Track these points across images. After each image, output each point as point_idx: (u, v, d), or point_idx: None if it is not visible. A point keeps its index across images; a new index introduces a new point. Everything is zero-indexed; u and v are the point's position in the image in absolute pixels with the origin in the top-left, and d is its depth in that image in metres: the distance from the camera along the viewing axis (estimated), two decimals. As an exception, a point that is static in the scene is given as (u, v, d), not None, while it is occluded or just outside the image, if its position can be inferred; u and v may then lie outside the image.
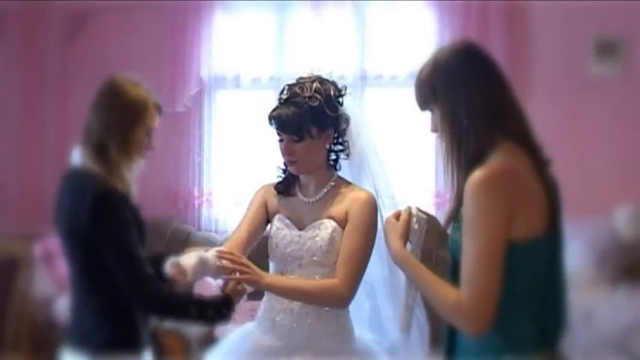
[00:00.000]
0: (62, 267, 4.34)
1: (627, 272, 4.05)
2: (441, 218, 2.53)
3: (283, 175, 2.79)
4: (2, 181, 5.49)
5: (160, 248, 3.80)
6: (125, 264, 2.46)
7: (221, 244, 2.85)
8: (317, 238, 2.65)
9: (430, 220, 2.42)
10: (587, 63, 4.70)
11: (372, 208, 2.64)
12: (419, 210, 2.39)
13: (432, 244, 2.55)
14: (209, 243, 4.73)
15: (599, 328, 3.77)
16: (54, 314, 4.59)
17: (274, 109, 2.66)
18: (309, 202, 2.72)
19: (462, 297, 1.92)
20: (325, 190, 2.71)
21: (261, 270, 2.58)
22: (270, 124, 2.66)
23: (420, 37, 4.98)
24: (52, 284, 4.79)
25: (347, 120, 2.70)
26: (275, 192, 2.79)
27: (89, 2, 5.54)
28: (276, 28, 5.29)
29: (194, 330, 4.47)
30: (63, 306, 4.32)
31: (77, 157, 2.56)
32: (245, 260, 2.56)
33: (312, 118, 2.60)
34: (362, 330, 2.79)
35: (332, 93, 2.66)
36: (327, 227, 2.65)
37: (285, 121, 2.61)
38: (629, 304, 3.86)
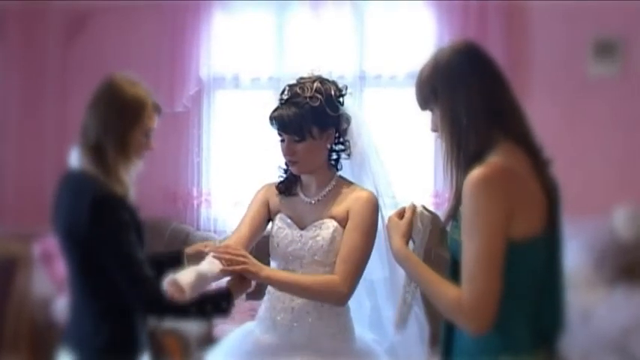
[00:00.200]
0: (61, 267, 4.34)
1: (625, 272, 4.05)
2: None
3: (285, 175, 2.79)
4: (1, 181, 5.49)
5: (159, 248, 3.81)
6: (124, 267, 2.45)
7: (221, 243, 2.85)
8: (318, 238, 2.65)
9: (434, 218, 2.42)
10: (586, 63, 4.71)
11: (373, 207, 2.64)
12: (424, 208, 2.39)
13: (432, 243, 2.55)
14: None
15: (597, 328, 3.77)
16: (53, 314, 4.59)
17: (275, 110, 2.66)
18: (310, 202, 2.73)
19: (463, 296, 1.92)
20: (326, 190, 2.71)
21: (259, 263, 2.57)
22: (272, 124, 2.66)
23: (419, 37, 4.99)
24: (51, 284, 4.79)
25: (348, 120, 2.70)
26: (277, 191, 2.80)
27: (88, 2, 5.55)
28: (275, 29, 5.30)
29: (193, 330, 4.48)
30: (62, 306, 4.32)
31: (75, 158, 2.54)
32: (243, 252, 2.56)
33: (313, 119, 2.60)
34: (362, 329, 2.79)
35: (333, 93, 2.66)
36: (328, 227, 2.66)
37: (286, 122, 2.61)
38: (627, 304, 3.87)
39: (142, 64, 5.17)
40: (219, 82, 5.41)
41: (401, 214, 2.35)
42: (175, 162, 5.39)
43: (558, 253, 2.04)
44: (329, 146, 2.70)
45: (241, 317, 4.50)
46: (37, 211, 4.99)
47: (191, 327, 4.48)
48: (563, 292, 2.05)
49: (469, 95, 2.01)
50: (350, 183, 2.74)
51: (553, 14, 4.74)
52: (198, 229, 5.37)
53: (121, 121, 2.51)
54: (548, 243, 2.00)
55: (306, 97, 2.61)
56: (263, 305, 2.78)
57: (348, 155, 2.74)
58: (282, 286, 2.62)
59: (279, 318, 2.70)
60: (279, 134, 2.66)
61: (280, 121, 2.62)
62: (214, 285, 2.62)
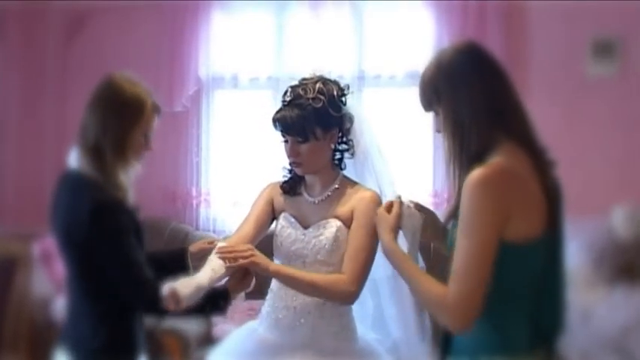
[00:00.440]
0: (60, 267, 4.33)
1: (625, 272, 4.05)
2: (440, 217, 2.55)
3: (289, 175, 2.79)
4: (1, 180, 5.49)
5: (158, 248, 3.80)
6: (124, 269, 2.46)
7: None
8: (321, 237, 2.66)
9: (428, 215, 2.43)
10: (585, 63, 4.71)
11: (377, 206, 2.63)
12: (417, 207, 2.40)
13: (428, 238, 2.57)
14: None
15: (596, 328, 3.77)
16: (52, 314, 4.59)
17: (278, 112, 2.66)
18: (314, 202, 2.73)
19: (449, 292, 1.93)
20: (331, 190, 2.72)
21: (266, 258, 2.58)
22: (275, 126, 2.66)
23: (418, 38, 4.99)
24: (51, 284, 4.79)
25: (351, 119, 2.70)
26: (281, 191, 2.81)
27: (88, 3, 5.55)
28: (274, 28, 5.30)
29: (193, 330, 4.48)
30: (61, 306, 4.32)
31: (74, 159, 2.53)
32: (249, 245, 2.57)
33: (316, 120, 2.60)
34: (365, 329, 2.80)
35: (335, 93, 2.66)
36: (332, 226, 2.66)
37: (289, 123, 2.61)
38: (626, 304, 3.87)
39: (141, 64, 5.16)
40: (218, 81, 5.41)
41: (389, 208, 2.36)
42: (174, 162, 5.39)
43: (559, 253, 2.04)
44: (332, 146, 2.70)
45: (240, 317, 4.51)
46: (36, 211, 4.98)
47: (191, 327, 4.48)
48: (564, 293, 2.06)
49: (471, 95, 2.01)
50: (354, 183, 2.74)
51: (552, 14, 4.74)
52: (197, 228, 5.37)
53: (120, 121, 2.50)
54: (549, 244, 2.00)
55: (308, 99, 2.61)
56: (266, 304, 2.79)
57: (352, 155, 2.75)
58: (290, 281, 2.61)
59: (281, 316, 2.70)
60: (283, 136, 2.67)
61: (283, 122, 2.62)
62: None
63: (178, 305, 2.39)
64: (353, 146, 2.73)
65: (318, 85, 2.64)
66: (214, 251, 2.57)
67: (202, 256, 2.68)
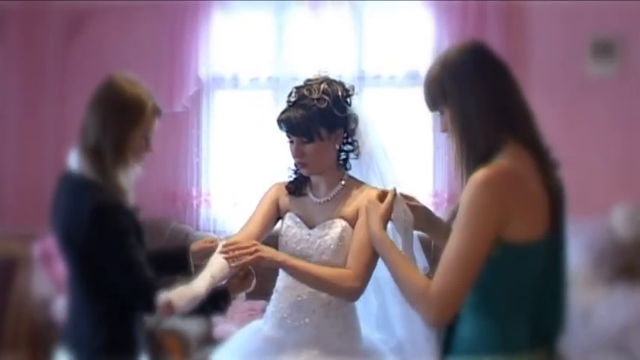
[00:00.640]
0: (61, 267, 4.33)
1: (625, 271, 4.05)
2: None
3: (294, 176, 2.80)
4: (1, 181, 5.49)
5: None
6: (125, 271, 2.46)
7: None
8: (326, 237, 2.67)
9: (419, 213, 2.45)
10: (585, 63, 4.71)
11: None
12: (406, 198, 2.42)
13: (426, 231, 2.59)
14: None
15: (596, 327, 3.78)
16: (53, 314, 4.59)
17: (283, 112, 2.67)
18: (320, 202, 2.74)
19: (433, 284, 1.95)
20: (336, 190, 2.72)
21: (272, 249, 2.58)
22: (280, 127, 2.66)
23: (418, 38, 4.99)
24: (51, 284, 4.79)
25: (356, 120, 2.71)
26: (286, 191, 2.81)
27: (88, 3, 5.55)
28: (274, 29, 5.30)
29: (193, 330, 4.48)
30: (61, 306, 4.32)
31: (74, 160, 2.53)
32: (253, 241, 2.56)
33: (320, 120, 2.61)
34: (369, 328, 2.80)
35: (340, 94, 2.67)
36: (337, 226, 2.67)
37: (294, 124, 2.62)
38: (626, 304, 3.87)
39: (141, 65, 5.16)
40: (219, 82, 5.41)
41: (381, 197, 2.37)
42: (175, 162, 5.39)
43: (561, 254, 2.05)
44: (337, 147, 2.71)
45: (241, 317, 4.52)
46: (36, 211, 4.97)
47: (191, 327, 4.49)
48: (565, 293, 2.06)
49: (478, 94, 2.01)
50: (360, 183, 2.74)
51: (552, 14, 4.74)
52: (197, 229, 5.37)
53: (120, 122, 2.50)
54: (551, 245, 2.00)
55: (313, 99, 2.62)
56: (270, 303, 2.79)
57: (357, 155, 2.75)
58: (296, 272, 2.61)
59: (285, 316, 2.71)
60: (288, 136, 2.67)
61: (288, 123, 2.63)
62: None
63: (171, 314, 2.40)
64: (358, 147, 2.74)
65: (322, 86, 2.65)
66: (217, 251, 2.56)
67: (204, 255, 2.69)
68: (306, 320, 2.68)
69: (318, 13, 5.10)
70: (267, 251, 2.54)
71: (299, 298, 2.68)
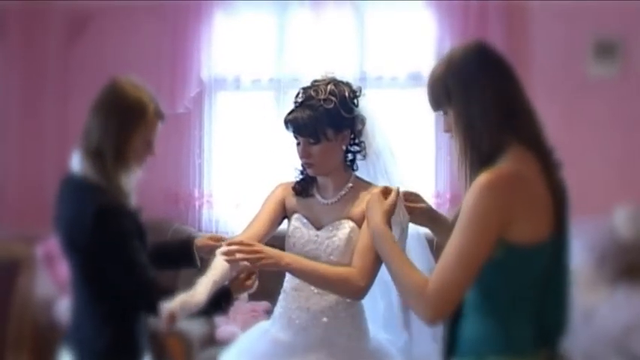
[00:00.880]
0: (63, 268, 4.35)
1: (627, 272, 4.06)
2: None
3: (301, 176, 2.79)
4: (3, 182, 5.49)
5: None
6: (127, 273, 2.47)
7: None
8: (334, 238, 2.66)
9: (422, 210, 2.45)
10: (586, 63, 4.71)
11: None
12: (411, 196, 2.41)
13: (426, 225, 2.60)
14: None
15: (599, 328, 3.78)
16: (55, 315, 4.60)
17: (290, 113, 2.66)
18: (327, 204, 2.73)
19: (431, 282, 1.95)
20: (343, 191, 2.72)
21: (276, 250, 2.55)
22: (287, 127, 2.66)
23: (420, 39, 5.00)
24: (53, 285, 4.80)
25: (362, 121, 2.70)
26: (293, 192, 2.81)
27: (89, 3, 5.55)
28: (276, 30, 5.31)
29: (195, 331, 4.49)
30: (64, 307, 4.33)
31: (76, 162, 2.54)
32: (257, 246, 2.52)
33: (327, 121, 2.61)
34: (377, 329, 2.79)
35: (347, 94, 2.66)
36: (345, 227, 2.66)
37: (301, 125, 2.61)
38: (628, 304, 3.87)
39: (143, 66, 5.17)
40: (221, 83, 5.41)
41: (384, 193, 2.37)
42: (177, 163, 5.39)
43: (564, 255, 2.05)
44: (344, 147, 2.70)
45: (243, 318, 4.53)
46: (38, 212, 4.99)
47: (194, 328, 4.49)
48: (568, 293, 2.06)
49: (482, 95, 2.00)
50: (368, 184, 2.73)
51: (553, 15, 4.75)
52: (199, 230, 5.36)
53: (121, 125, 2.50)
54: (555, 246, 2.01)
55: (320, 100, 2.61)
56: (278, 304, 2.79)
57: (364, 156, 2.75)
58: (302, 273, 2.60)
59: (294, 317, 2.70)
60: (295, 137, 2.67)
61: (295, 124, 2.63)
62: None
63: (175, 324, 2.41)
64: (365, 148, 2.73)
65: (329, 87, 2.64)
66: (219, 253, 2.55)
67: (207, 251, 2.71)
68: (315, 321, 2.67)
69: (319, 14, 5.11)
70: (271, 256, 2.51)
71: (308, 300, 2.68)
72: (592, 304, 3.87)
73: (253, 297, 4.20)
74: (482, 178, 1.93)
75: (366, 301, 2.70)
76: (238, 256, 2.47)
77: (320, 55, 5.04)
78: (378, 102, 4.98)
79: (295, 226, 2.75)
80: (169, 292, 2.57)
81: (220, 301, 2.54)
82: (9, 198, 5.48)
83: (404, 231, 2.41)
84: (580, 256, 3.91)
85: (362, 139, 2.73)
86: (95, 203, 2.44)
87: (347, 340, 2.68)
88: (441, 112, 2.13)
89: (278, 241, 2.77)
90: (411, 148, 4.96)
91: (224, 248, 2.53)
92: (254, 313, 4.57)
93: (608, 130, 4.65)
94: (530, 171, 1.97)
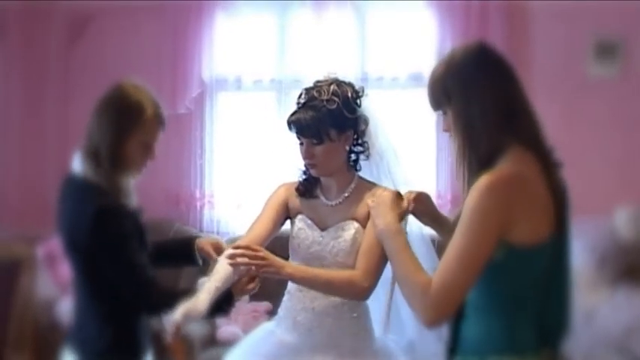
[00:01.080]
0: (64, 269, 4.35)
1: (627, 273, 4.06)
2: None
3: (304, 177, 2.79)
4: (4, 183, 5.50)
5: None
6: (127, 274, 2.48)
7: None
8: (340, 239, 2.66)
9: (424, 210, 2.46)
10: (586, 64, 4.71)
11: None
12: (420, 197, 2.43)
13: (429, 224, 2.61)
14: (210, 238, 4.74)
15: (599, 329, 3.78)
16: (56, 315, 4.60)
17: (293, 114, 2.66)
18: (331, 205, 2.73)
19: (433, 284, 1.95)
20: (347, 192, 2.72)
21: (280, 259, 2.55)
22: (290, 128, 2.66)
23: (421, 39, 4.99)
24: (55, 286, 4.80)
25: (365, 121, 2.70)
26: (296, 193, 2.80)
27: (91, 3, 5.55)
28: (277, 30, 5.31)
29: (197, 331, 4.49)
30: (65, 307, 4.34)
31: (77, 163, 2.54)
32: (262, 252, 2.51)
33: (330, 121, 2.60)
34: (380, 328, 2.79)
35: (349, 95, 2.66)
36: (350, 228, 2.66)
37: (304, 125, 2.61)
38: (629, 305, 3.87)
39: (143, 66, 5.19)
40: (222, 84, 5.41)
41: (400, 197, 2.39)
42: (178, 164, 5.39)
43: (565, 255, 2.05)
44: (347, 148, 2.70)
45: (244, 319, 4.53)
46: (39, 213, 5.00)
47: (194, 328, 4.49)
48: (569, 294, 2.07)
49: (482, 96, 2.01)
50: (372, 184, 2.73)
51: (554, 15, 4.75)
52: (201, 230, 5.37)
53: (117, 125, 2.50)
54: (556, 247, 2.01)
55: (323, 100, 2.61)
56: (282, 305, 2.79)
57: (367, 156, 2.75)
58: (304, 281, 2.61)
59: (299, 318, 2.70)
60: (298, 137, 2.67)
61: (298, 124, 2.62)
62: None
63: (177, 336, 2.41)
64: (368, 148, 2.73)
65: (332, 87, 2.64)
66: (224, 256, 2.55)
67: (207, 256, 2.71)
68: (321, 322, 2.67)
69: (320, 14, 5.11)
70: (274, 264, 2.50)
71: (313, 301, 2.68)
72: (593, 305, 3.87)
73: (254, 297, 4.20)
74: (484, 179, 1.93)
75: (371, 301, 2.71)
76: (242, 260, 2.47)
77: (321, 55, 5.04)
78: (379, 103, 5.03)
79: (299, 227, 2.75)
80: (169, 292, 2.58)
81: (222, 304, 2.53)
82: (10, 198, 5.49)
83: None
84: (580, 257, 3.91)
85: (365, 139, 2.73)
86: (95, 204, 2.44)
87: (352, 341, 2.68)
88: (441, 112, 2.13)
89: (280, 242, 2.78)
90: (412, 148, 4.95)
91: (229, 251, 2.53)
92: (255, 313, 4.58)
93: (608, 130, 4.65)
94: (531, 172, 1.98)
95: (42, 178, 5.35)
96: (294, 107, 2.70)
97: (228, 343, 3.78)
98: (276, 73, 5.29)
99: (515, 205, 1.92)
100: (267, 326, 2.88)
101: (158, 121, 2.57)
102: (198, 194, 5.43)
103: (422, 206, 2.55)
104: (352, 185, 2.72)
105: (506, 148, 1.98)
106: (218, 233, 5.32)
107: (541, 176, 1.99)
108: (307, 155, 2.66)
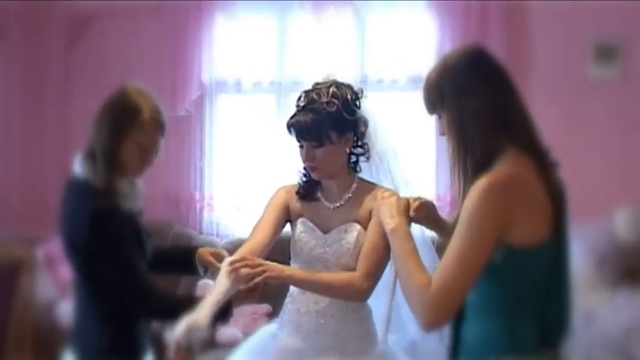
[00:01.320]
0: (64, 271, 4.35)
1: (627, 275, 4.05)
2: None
3: (305, 179, 2.78)
4: (4, 185, 5.50)
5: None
6: (123, 277, 2.48)
7: (230, 250, 2.82)
8: (343, 242, 2.66)
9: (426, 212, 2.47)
10: (586, 65, 4.71)
11: None
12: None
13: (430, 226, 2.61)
14: (211, 247, 4.73)
15: (599, 330, 3.78)
16: (56, 317, 4.60)
17: (292, 117, 2.66)
18: (333, 208, 2.73)
19: (433, 284, 1.95)
20: (349, 194, 2.72)
21: (277, 264, 2.55)
22: (289, 131, 2.65)
23: (421, 41, 4.99)
24: (55, 288, 4.80)
25: (365, 122, 2.70)
26: (297, 196, 2.80)
27: (91, 4, 5.55)
28: (276, 33, 5.31)
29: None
30: (65, 309, 4.34)
31: (77, 165, 2.55)
32: (258, 260, 2.52)
33: (330, 124, 2.60)
34: (381, 329, 2.78)
35: (349, 97, 2.66)
36: (353, 231, 2.67)
37: (304, 128, 2.61)
38: (629, 307, 3.87)
39: (144, 67, 5.20)
40: (221, 86, 5.41)
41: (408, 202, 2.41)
42: (178, 166, 5.39)
43: (564, 256, 2.06)
44: (348, 150, 2.70)
45: (244, 321, 4.52)
46: (40, 214, 5.01)
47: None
48: (569, 294, 2.07)
49: (476, 100, 2.01)
50: (372, 185, 2.74)
51: (554, 16, 4.75)
52: (200, 232, 5.38)
53: (112, 127, 2.50)
54: (555, 247, 2.01)
55: (322, 103, 2.61)
56: (285, 308, 2.78)
57: (367, 158, 2.75)
58: (304, 284, 2.62)
59: (303, 321, 2.70)
60: (298, 140, 2.66)
61: (298, 127, 2.62)
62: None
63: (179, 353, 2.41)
64: (368, 150, 2.73)
65: (331, 89, 2.64)
66: (223, 268, 2.53)
67: (209, 266, 2.73)
68: (325, 325, 2.67)
69: (320, 17, 5.11)
70: (274, 270, 2.51)
71: (317, 303, 2.68)
72: (592, 307, 3.86)
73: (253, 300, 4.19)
74: (482, 181, 1.94)
75: (373, 302, 2.71)
76: (243, 271, 2.46)
77: (321, 58, 5.04)
78: (378, 105, 5.03)
79: (301, 231, 2.74)
80: (168, 297, 2.58)
81: (220, 315, 2.50)
82: (10, 200, 5.49)
83: None
84: (580, 258, 3.90)
85: (365, 140, 2.72)
86: (90, 204, 2.45)
87: (356, 343, 2.69)
88: (437, 116, 2.14)
89: (280, 245, 2.78)
90: (412, 151, 4.96)
91: (229, 259, 2.53)
92: (255, 315, 4.58)
93: (607, 131, 4.65)
94: (528, 173, 1.98)
95: (42, 179, 5.35)
96: (293, 110, 2.69)
97: (228, 345, 3.78)
98: (276, 75, 5.29)
99: (514, 207, 1.93)
100: (268, 329, 2.87)
101: (155, 124, 2.56)
102: (197, 196, 5.43)
103: (424, 213, 2.55)
104: (353, 187, 2.72)
105: (501, 151, 1.99)
106: (217, 235, 5.33)
107: (538, 177, 1.99)
108: (308, 158, 2.66)
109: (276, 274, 2.51)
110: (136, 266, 2.48)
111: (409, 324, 2.77)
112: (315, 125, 2.60)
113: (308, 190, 2.77)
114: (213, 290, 2.49)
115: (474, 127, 2.01)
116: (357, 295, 2.62)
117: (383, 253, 2.57)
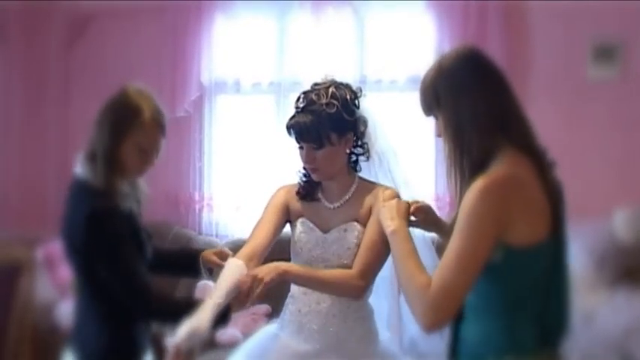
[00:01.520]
0: (64, 271, 4.36)
1: (626, 275, 4.05)
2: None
3: (305, 179, 2.77)
4: (4, 185, 5.50)
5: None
6: (121, 278, 2.47)
7: (232, 250, 2.82)
8: (344, 242, 2.66)
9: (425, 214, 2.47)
10: (586, 65, 4.72)
11: None
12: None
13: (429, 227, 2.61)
14: (210, 248, 4.74)
15: (598, 330, 3.78)
16: (56, 318, 4.60)
17: (292, 118, 2.64)
18: (333, 208, 2.73)
19: (432, 285, 1.95)
20: (349, 194, 2.71)
21: (270, 264, 2.54)
22: (289, 133, 2.64)
23: (419, 41, 4.99)
24: (54, 289, 4.80)
25: (365, 122, 2.69)
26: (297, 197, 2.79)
27: (91, 5, 5.56)
28: (276, 33, 5.32)
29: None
30: (65, 310, 4.34)
31: (78, 166, 2.55)
32: (252, 273, 2.49)
33: (330, 125, 2.59)
34: (381, 328, 2.79)
35: (348, 97, 2.65)
36: (353, 230, 2.66)
37: (304, 130, 2.60)
38: (628, 307, 3.87)
39: (143, 68, 5.20)
40: (221, 86, 5.41)
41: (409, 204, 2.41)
42: (177, 166, 5.39)
43: (563, 255, 2.06)
44: (348, 150, 2.69)
45: (243, 321, 4.52)
46: (39, 215, 5.01)
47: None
48: (568, 294, 2.08)
49: (472, 101, 2.02)
50: (372, 184, 2.73)
51: (553, 17, 4.75)
52: (200, 233, 5.38)
53: (112, 127, 2.50)
54: (553, 247, 2.02)
55: (322, 104, 2.59)
56: (286, 308, 2.78)
57: (367, 158, 2.74)
58: (300, 280, 2.61)
59: (304, 321, 2.70)
60: (298, 142, 2.65)
61: (298, 129, 2.61)
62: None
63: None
64: (368, 149, 2.72)
65: (330, 90, 2.62)
66: (228, 264, 2.54)
67: (214, 266, 2.72)
68: (326, 325, 2.67)
69: (319, 17, 5.11)
70: (268, 272, 2.48)
71: (319, 304, 2.68)
72: (592, 307, 3.86)
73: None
74: (480, 181, 1.94)
75: (374, 301, 2.71)
76: (256, 292, 2.45)
77: (320, 58, 5.04)
78: (377, 105, 5.03)
79: (301, 231, 2.74)
80: (167, 299, 2.58)
81: (220, 319, 2.49)
82: (10, 200, 5.48)
83: None
84: (580, 258, 3.91)
85: (364, 140, 2.72)
86: (88, 205, 2.45)
87: (357, 344, 2.68)
88: (433, 117, 2.14)
89: (280, 245, 2.77)
90: (410, 151, 4.96)
91: (231, 260, 2.53)
92: (254, 316, 4.58)
93: (607, 131, 4.65)
94: (526, 173, 1.99)
95: (42, 179, 5.35)
96: (293, 110, 2.68)
97: (227, 346, 3.78)
98: (275, 75, 5.29)
99: (511, 207, 1.93)
100: (269, 329, 2.86)
101: (156, 126, 2.55)
102: (197, 197, 5.43)
103: (422, 216, 2.55)
104: (353, 187, 2.72)
105: (498, 151, 2.00)
106: (217, 236, 5.33)
107: (536, 177, 2.00)
108: (308, 160, 2.65)
109: (272, 276, 2.48)
110: (134, 267, 2.48)
111: (409, 323, 2.77)
112: (314, 127, 2.58)
113: (308, 190, 2.77)
114: (214, 294, 2.48)
115: (470, 128, 2.01)
116: (352, 292, 2.61)
117: (380, 251, 2.57)
